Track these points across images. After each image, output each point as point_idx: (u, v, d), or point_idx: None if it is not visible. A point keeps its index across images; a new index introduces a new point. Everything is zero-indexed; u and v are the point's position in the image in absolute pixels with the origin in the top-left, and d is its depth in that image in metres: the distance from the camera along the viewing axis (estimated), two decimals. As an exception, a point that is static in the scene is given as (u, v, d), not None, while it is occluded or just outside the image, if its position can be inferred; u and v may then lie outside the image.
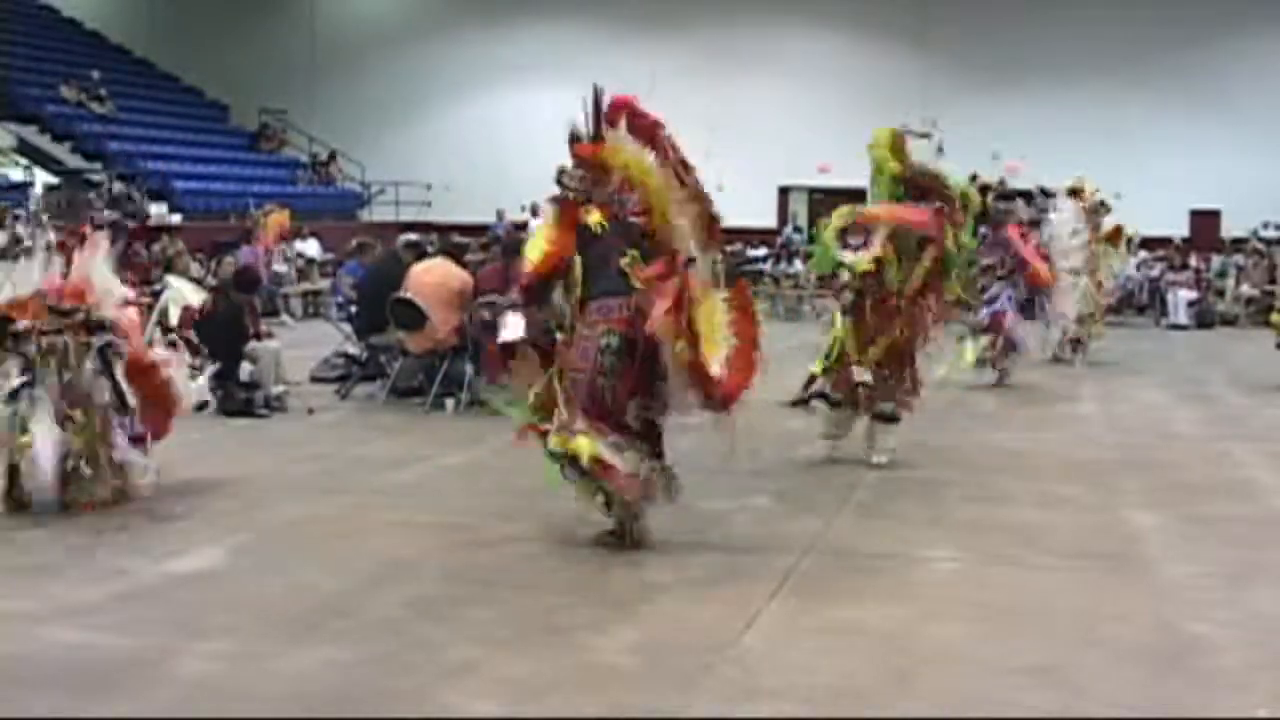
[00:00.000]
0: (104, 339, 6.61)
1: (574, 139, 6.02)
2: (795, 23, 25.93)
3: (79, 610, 5.04)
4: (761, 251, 22.79)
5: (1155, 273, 20.64)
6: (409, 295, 9.89)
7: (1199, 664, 4.65)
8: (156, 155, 22.73)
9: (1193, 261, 20.96)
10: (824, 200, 25.77)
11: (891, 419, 8.10)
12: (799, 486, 7.51)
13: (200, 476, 7.38)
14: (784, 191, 26.78)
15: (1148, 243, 19.86)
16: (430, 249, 11.41)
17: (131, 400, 6.69)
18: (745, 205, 25.61)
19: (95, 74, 23.57)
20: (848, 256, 7.93)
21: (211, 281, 11.50)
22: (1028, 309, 12.09)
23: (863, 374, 7.91)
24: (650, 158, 5.82)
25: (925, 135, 8.35)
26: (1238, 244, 21.67)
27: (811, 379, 10.61)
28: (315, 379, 11.29)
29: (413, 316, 9.90)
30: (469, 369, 9.79)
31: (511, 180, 25.47)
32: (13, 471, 6.44)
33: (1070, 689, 4.37)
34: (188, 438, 8.56)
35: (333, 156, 26.64)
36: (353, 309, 11.89)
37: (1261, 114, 23.94)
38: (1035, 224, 12.81)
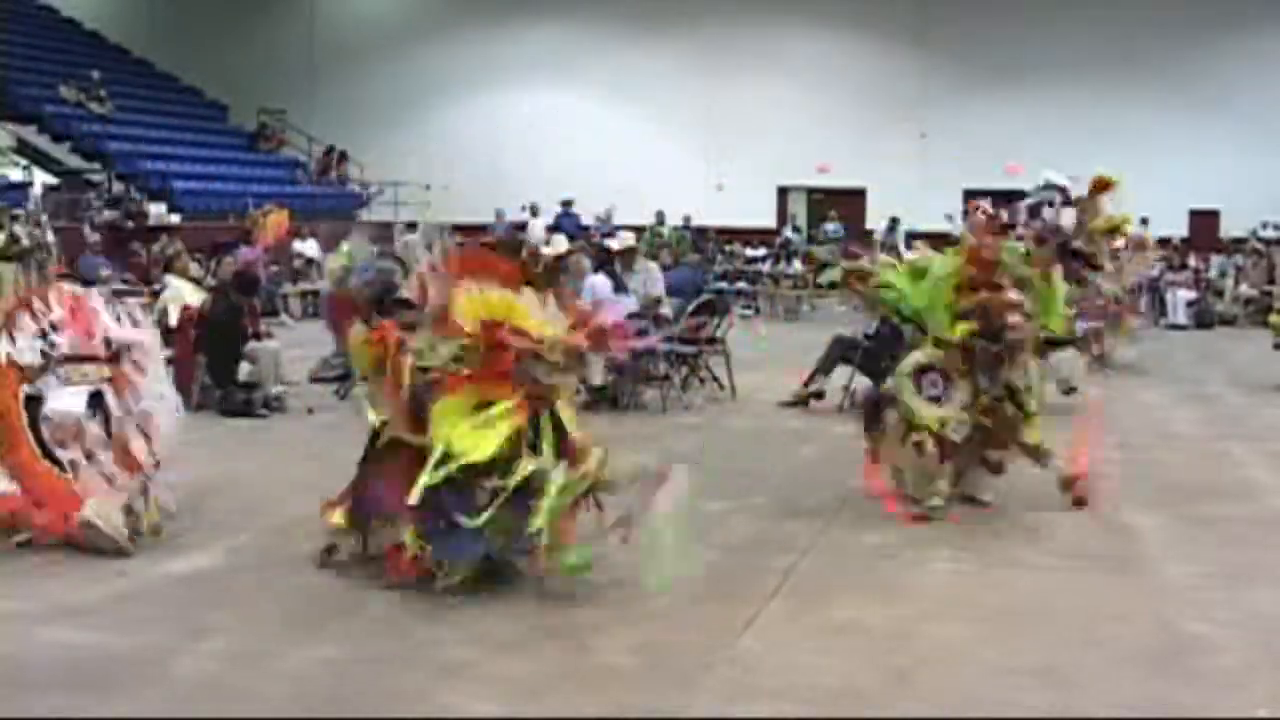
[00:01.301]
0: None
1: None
2: (795, 23, 25.95)
3: (79, 610, 5.04)
4: (761, 252, 22.80)
5: (1155, 273, 20.62)
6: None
7: (1199, 664, 4.65)
8: (156, 155, 22.73)
9: (1192, 261, 20.96)
10: (823, 200, 25.84)
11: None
12: (798, 487, 7.50)
13: (200, 476, 7.37)
14: (783, 191, 26.79)
15: (1146, 242, 19.87)
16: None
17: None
18: (745, 205, 25.75)
19: (95, 74, 23.55)
20: (922, 408, 6.85)
21: (211, 281, 11.49)
22: None
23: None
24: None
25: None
26: (1238, 244, 21.69)
27: (810, 378, 10.65)
28: (315, 379, 11.29)
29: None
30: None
31: (511, 180, 25.53)
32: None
33: (1070, 689, 4.37)
34: (188, 438, 8.54)
35: (343, 156, 26.56)
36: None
37: (1261, 114, 23.97)
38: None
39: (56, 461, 5.94)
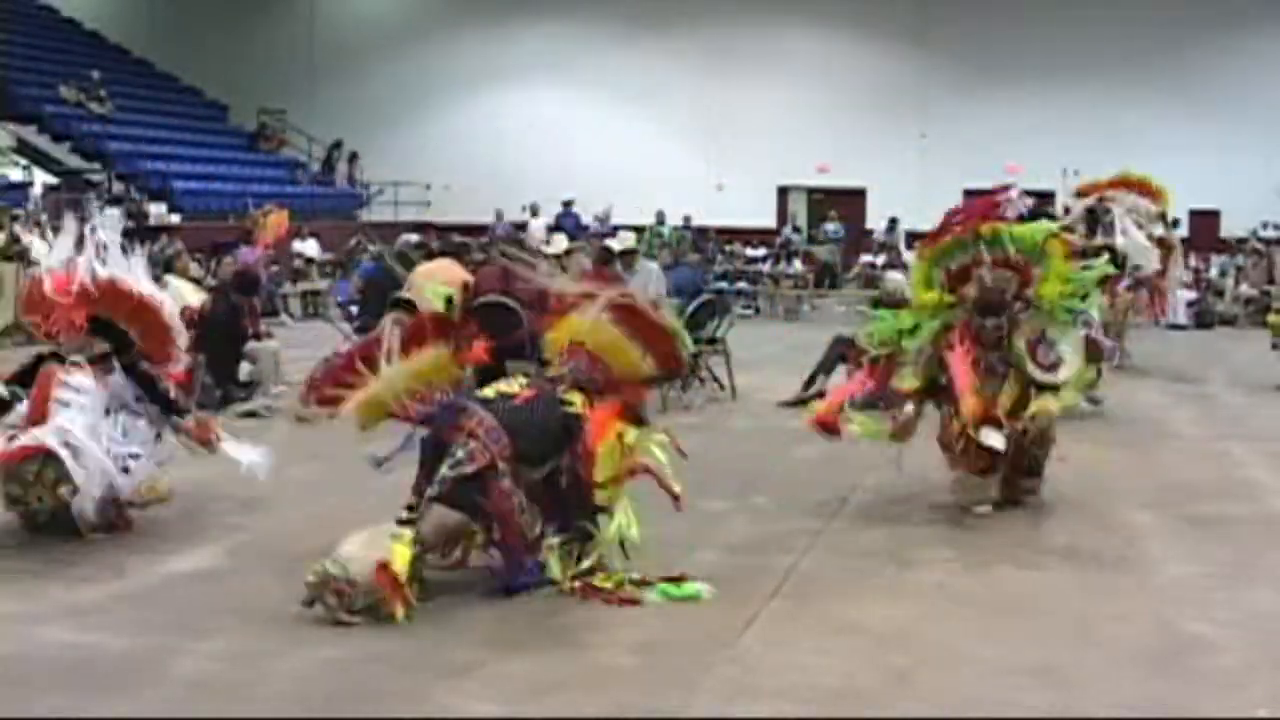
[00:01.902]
0: None
1: None
2: (795, 23, 25.96)
3: (79, 610, 5.05)
4: (761, 252, 22.82)
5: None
6: (409, 295, 9.89)
7: (1199, 664, 4.65)
8: (156, 155, 22.73)
9: (1192, 261, 20.94)
10: (823, 200, 25.84)
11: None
12: (798, 487, 7.50)
13: (200, 476, 7.37)
14: (783, 191, 26.79)
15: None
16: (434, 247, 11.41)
17: None
18: (745, 205, 25.75)
19: (95, 74, 23.56)
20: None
21: (211, 282, 11.50)
22: None
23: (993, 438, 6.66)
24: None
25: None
26: (1238, 244, 21.69)
27: (811, 379, 10.64)
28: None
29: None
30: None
31: (511, 180, 25.53)
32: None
33: (1070, 689, 4.37)
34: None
35: (353, 157, 26.50)
36: (354, 309, 11.89)
37: (1261, 114, 23.97)
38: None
39: None
